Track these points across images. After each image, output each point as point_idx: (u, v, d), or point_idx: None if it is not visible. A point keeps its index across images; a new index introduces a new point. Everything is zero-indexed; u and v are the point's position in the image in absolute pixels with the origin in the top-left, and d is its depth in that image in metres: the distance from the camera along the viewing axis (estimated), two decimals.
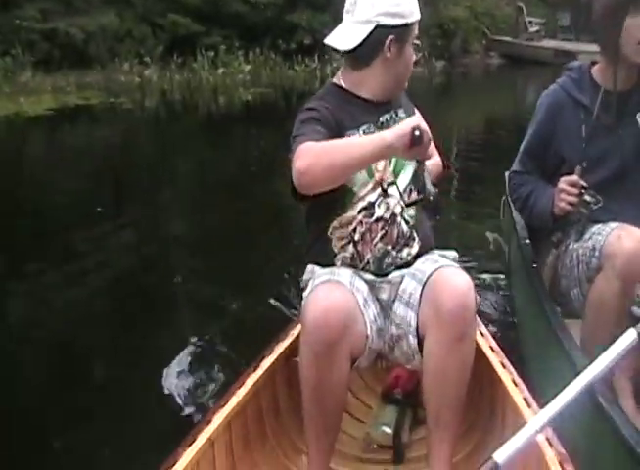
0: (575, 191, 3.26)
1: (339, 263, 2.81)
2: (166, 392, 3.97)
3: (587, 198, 3.31)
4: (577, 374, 2.47)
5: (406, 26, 2.77)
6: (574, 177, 3.28)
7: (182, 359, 4.29)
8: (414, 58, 2.88)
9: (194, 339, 4.53)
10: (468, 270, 5.44)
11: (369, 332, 2.61)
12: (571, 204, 3.28)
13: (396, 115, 2.95)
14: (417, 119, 2.61)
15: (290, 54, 19.98)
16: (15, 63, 17.03)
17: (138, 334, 4.64)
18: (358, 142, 2.63)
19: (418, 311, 2.68)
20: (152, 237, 6.73)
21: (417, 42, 2.87)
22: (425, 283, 2.67)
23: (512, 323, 4.59)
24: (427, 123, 2.76)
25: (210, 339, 4.57)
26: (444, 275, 2.65)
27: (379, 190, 2.78)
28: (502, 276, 5.50)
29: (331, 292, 2.50)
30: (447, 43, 25.11)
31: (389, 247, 2.83)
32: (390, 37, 2.74)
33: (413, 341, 2.69)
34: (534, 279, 3.69)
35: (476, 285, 4.89)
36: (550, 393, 2.39)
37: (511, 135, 12.63)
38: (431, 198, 2.70)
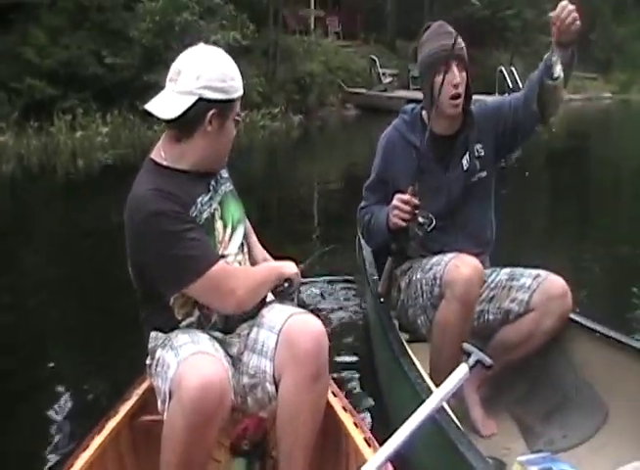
0: (408, 208, 3.52)
1: (184, 328, 2.85)
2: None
3: (420, 219, 3.59)
4: (420, 398, 2.67)
5: (229, 102, 2.77)
6: (406, 196, 3.52)
7: (31, 423, 4.32)
8: (234, 133, 2.88)
9: (45, 400, 4.56)
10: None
11: (232, 396, 2.66)
12: (403, 220, 3.54)
13: (221, 176, 3.00)
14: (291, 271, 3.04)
15: (148, 114, 19.70)
16: None
17: None
18: (270, 274, 2.98)
19: (274, 358, 2.78)
20: (10, 302, 6.68)
21: (237, 118, 2.87)
22: (280, 331, 2.79)
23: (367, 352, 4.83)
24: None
25: (59, 397, 4.59)
26: (298, 320, 2.81)
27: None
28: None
29: (205, 365, 2.53)
30: (304, 97, 25.35)
31: None
32: (212, 112, 2.73)
33: (270, 387, 2.80)
34: (381, 312, 3.98)
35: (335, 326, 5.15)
36: (403, 417, 2.56)
37: (367, 179, 13.05)
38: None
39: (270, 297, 3.10)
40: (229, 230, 2.92)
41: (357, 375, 4.82)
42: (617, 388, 3.43)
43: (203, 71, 2.71)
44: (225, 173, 3.07)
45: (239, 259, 2.96)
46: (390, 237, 3.75)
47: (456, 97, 3.65)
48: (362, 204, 4.05)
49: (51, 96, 18.98)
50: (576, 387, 3.61)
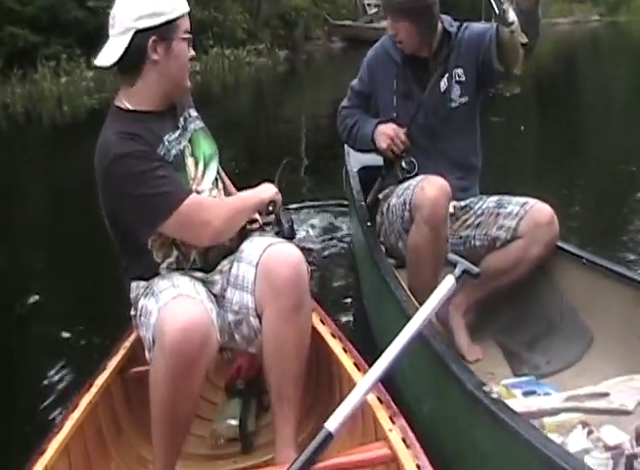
0: (400, 145, 3.67)
1: (164, 271, 2.83)
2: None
3: (404, 164, 3.71)
4: (408, 317, 2.69)
5: (169, 24, 2.67)
6: (403, 135, 3.68)
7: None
8: (190, 53, 2.79)
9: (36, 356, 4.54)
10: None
11: (219, 337, 2.61)
12: (392, 151, 3.70)
13: (189, 115, 2.97)
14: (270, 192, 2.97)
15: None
16: None
17: None
18: (247, 202, 2.90)
19: (254, 292, 2.76)
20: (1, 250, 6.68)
21: (187, 36, 2.75)
22: (257, 263, 2.76)
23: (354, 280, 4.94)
24: None
25: (48, 355, 4.55)
26: (275, 250, 2.77)
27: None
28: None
29: (186, 308, 2.48)
30: (289, 32, 25.24)
31: None
32: (152, 39, 2.65)
33: (254, 321, 2.78)
34: (368, 236, 4.01)
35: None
36: (390, 340, 2.56)
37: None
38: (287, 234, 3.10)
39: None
40: (201, 166, 2.89)
41: (344, 301, 4.90)
42: (602, 313, 3.46)
43: (133, 5, 2.67)
44: (194, 112, 3.02)
45: (214, 195, 2.93)
46: (378, 154, 3.89)
47: (398, 42, 3.76)
48: (345, 103, 4.12)
49: (33, 43, 18.85)
50: (561, 313, 3.65)
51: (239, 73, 20.07)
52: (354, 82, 4.07)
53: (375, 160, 4.21)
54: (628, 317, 3.32)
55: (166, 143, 2.75)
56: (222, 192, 3.04)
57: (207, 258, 2.90)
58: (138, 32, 2.64)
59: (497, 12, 3.16)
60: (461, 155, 3.88)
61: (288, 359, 2.76)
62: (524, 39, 3.15)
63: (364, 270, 4.43)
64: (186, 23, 2.75)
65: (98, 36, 2.76)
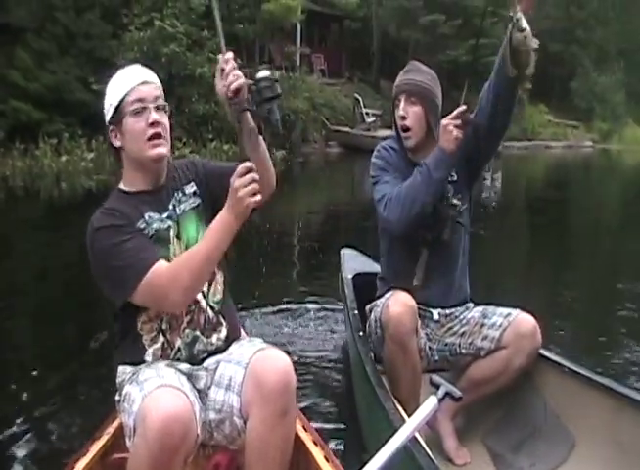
0: (458, 122, 3.60)
1: (149, 358, 2.86)
2: None
3: (455, 200, 3.80)
4: (394, 428, 2.74)
5: (117, 109, 2.82)
6: (451, 115, 3.63)
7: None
8: (152, 118, 2.80)
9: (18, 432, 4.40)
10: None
11: (199, 431, 2.63)
12: (458, 135, 3.60)
13: (183, 193, 3.01)
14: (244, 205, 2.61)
15: None
16: None
17: None
18: (210, 242, 2.69)
19: (241, 393, 2.79)
20: None
21: (136, 106, 2.80)
22: (247, 365, 2.80)
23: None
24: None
25: (28, 436, 4.37)
26: (266, 356, 2.81)
27: None
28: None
29: (169, 398, 2.51)
30: (287, 133, 25.46)
31: (197, 332, 2.93)
32: (110, 129, 2.86)
33: (239, 421, 2.79)
34: (359, 345, 4.05)
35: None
36: (377, 446, 2.59)
37: (349, 217, 13.59)
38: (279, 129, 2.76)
39: (243, 335, 3.15)
40: (184, 248, 2.91)
41: (337, 405, 4.88)
42: (583, 420, 3.58)
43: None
44: (191, 188, 3.05)
45: None
46: (451, 162, 3.68)
47: (404, 130, 3.82)
48: (381, 194, 3.79)
49: (36, 119, 19.12)
50: (545, 418, 3.75)
51: None
52: (382, 182, 3.84)
53: (372, 267, 4.23)
54: (608, 424, 3.45)
55: (147, 218, 2.85)
56: None
57: (192, 351, 2.94)
58: (109, 126, 2.88)
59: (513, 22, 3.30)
60: (451, 259, 3.95)
61: (271, 465, 2.78)
62: (535, 45, 3.31)
63: (356, 377, 4.47)
64: (134, 95, 2.82)
65: (100, 119, 2.92)
